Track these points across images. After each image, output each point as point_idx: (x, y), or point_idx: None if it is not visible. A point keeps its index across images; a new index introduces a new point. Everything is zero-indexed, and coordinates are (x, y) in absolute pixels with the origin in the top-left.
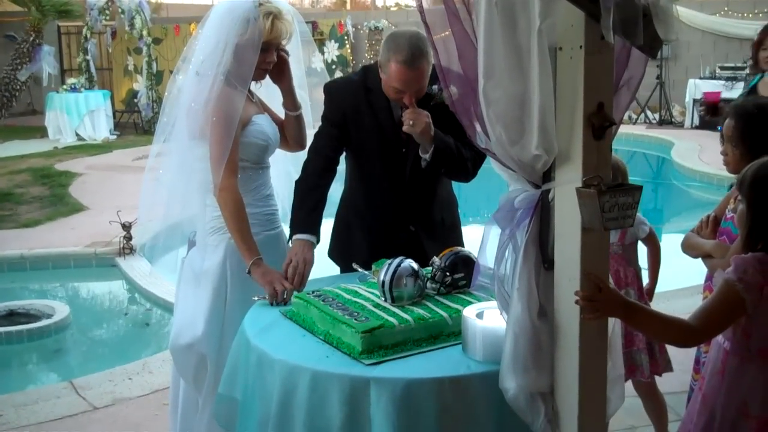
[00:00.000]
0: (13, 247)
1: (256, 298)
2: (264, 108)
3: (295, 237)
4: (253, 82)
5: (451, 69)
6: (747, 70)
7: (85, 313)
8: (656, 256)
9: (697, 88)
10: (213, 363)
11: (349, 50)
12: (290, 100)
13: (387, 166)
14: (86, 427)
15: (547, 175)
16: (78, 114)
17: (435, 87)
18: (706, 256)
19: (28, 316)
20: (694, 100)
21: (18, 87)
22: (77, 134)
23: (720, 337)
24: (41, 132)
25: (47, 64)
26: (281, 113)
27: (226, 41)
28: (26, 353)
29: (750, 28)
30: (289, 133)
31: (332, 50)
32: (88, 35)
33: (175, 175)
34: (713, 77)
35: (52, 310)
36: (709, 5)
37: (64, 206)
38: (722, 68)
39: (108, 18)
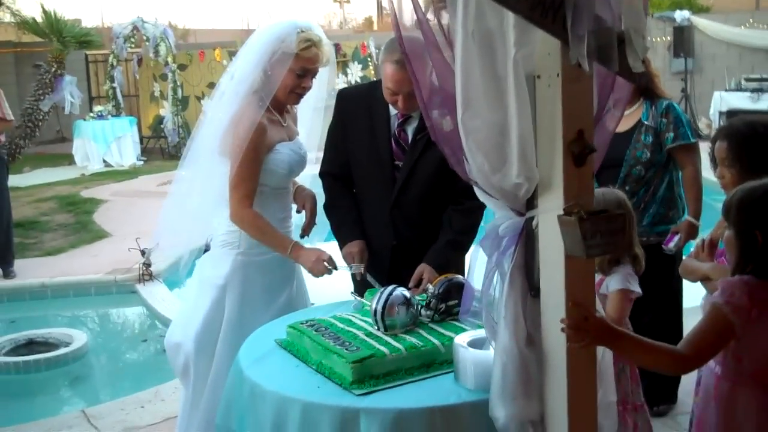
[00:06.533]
0: (37, 275)
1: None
2: (294, 133)
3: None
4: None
5: (433, 98)
6: None
7: (103, 341)
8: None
9: (723, 100)
10: (199, 369)
11: (372, 71)
12: None
13: (375, 175)
14: None
15: (531, 203)
16: (105, 141)
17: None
18: (705, 279)
19: (47, 345)
20: (720, 113)
21: (41, 117)
22: (104, 161)
23: (712, 362)
24: (69, 159)
25: (70, 94)
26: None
27: (259, 59)
28: (43, 382)
29: None
30: None
31: (355, 72)
32: (115, 63)
33: (199, 197)
34: (739, 89)
35: (70, 339)
36: (734, 18)
37: (87, 233)
38: (748, 80)
39: (134, 45)
